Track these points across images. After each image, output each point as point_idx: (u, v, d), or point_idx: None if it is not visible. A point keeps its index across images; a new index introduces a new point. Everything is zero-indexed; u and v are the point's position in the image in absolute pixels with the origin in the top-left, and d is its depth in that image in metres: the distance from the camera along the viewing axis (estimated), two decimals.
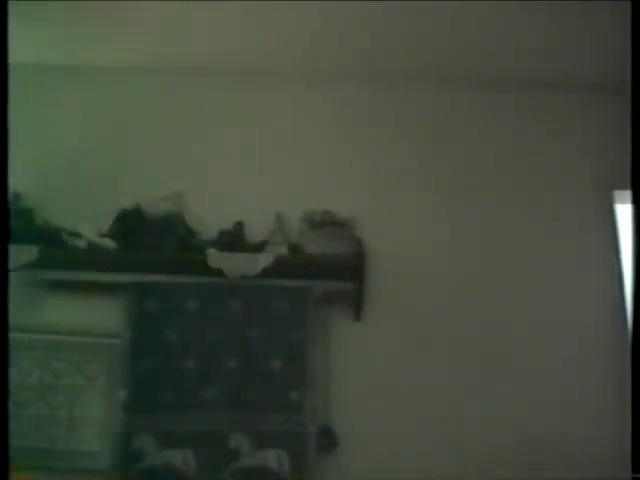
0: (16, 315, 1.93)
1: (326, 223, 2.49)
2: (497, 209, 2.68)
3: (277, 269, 2.36)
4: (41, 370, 2.40)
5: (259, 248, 2.43)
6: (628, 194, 2.32)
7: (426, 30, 2.49)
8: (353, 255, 2.41)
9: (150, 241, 2.45)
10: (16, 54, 2.19)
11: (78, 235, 2.44)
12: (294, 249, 2.45)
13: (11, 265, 2.20)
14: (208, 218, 2.56)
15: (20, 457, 2.12)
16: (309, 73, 2.80)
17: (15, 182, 2.16)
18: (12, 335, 1.79)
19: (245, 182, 2.68)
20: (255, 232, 2.54)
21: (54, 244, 2.41)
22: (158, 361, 2.34)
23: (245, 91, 2.82)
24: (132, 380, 2.31)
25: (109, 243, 2.42)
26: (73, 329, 2.44)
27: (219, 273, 2.36)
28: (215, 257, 2.37)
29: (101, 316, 2.45)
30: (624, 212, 2.64)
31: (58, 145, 2.73)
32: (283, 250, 2.42)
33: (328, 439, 2.34)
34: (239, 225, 2.55)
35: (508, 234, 2.65)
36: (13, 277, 2.14)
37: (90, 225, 2.47)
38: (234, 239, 2.48)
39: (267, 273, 2.36)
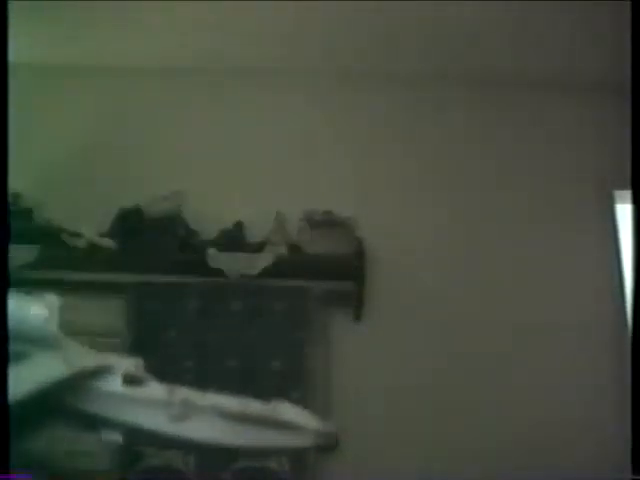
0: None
1: (326, 223, 2.49)
2: (497, 209, 2.68)
3: (277, 269, 2.36)
4: None
5: (259, 248, 2.43)
6: (628, 194, 2.32)
7: (426, 30, 2.49)
8: (353, 255, 2.40)
9: (150, 241, 2.45)
10: (16, 54, 2.18)
11: (78, 235, 2.44)
12: (294, 249, 2.45)
13: (11, 265, 2.20)
14: (208, 218, 2.56)
15: (20, 457, 2.12)
16: (309, 73, 2.80)
17: (15, 182, 2.16)
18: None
19: (245, 182, 2.68)
20: (255, 232, 2.54)
21: (54, 244, 2.41)
22: (158, 361, 2.33)
23: (245, 91, 2.82)
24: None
25: (109, 243, 2.42)
26: (73, 329, 2.44)
27: (219, 273, 2.36)
28: (215, 257, 2.37)
29: (101, 316, 2.44)
30: (624, 212, 2.64)
31: (58, 145, 2.73)
32: (283, 250, 2.41)
33: (328, 439, 2.33)
34: (239, 225, 2.55)
35: (508, 234, 2.65)
36: (13, 277, 2.14)
37: (90, 225, 2.47)
38: (234, 239, 2.48)
39: (267, 273, 2.36)
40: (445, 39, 2.54)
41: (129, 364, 1.13)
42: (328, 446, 1.25)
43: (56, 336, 1.09)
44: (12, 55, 1.99)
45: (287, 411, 1.16)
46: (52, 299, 1.13)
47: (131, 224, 2.49)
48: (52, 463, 1.98)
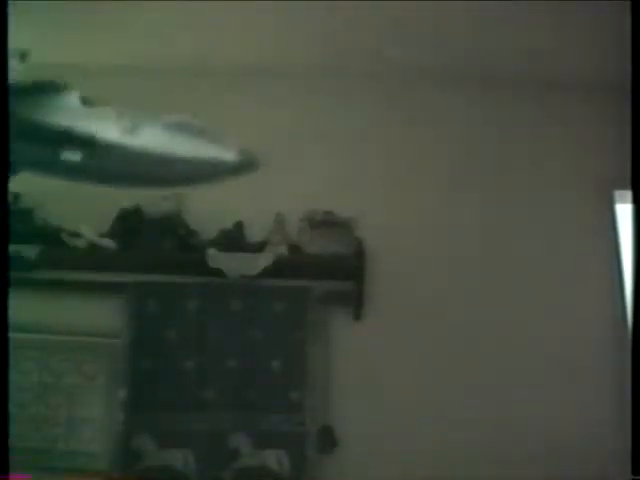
0: (16, 315, 1.93)
1: (326, 223, 2.49)
2: (497, 209, 2.68)
3: (277, 269, 2.36)
4: (41, 370, 2.40)
5: (259, 248, 2.43)
6: (628, 194, 2.32)
7: (426, 30, 2.49)
8: (353, 255, 2.40)
9: (150, 241, 2.45)
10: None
11: (78, 235, 2.44)
12: (294, 249, 2.45)
13: (11, 265, 2.20)
14: (208, 218, 2.56)
15: (20, 457, 2.12)
16: (309, 73, 2.80)
17: (15, 182, 2.16)
18: (12, 335, 1.79)
19: (245, 182, 2.67)
20: (255, 232, 2.54)
21: (54, 244, 2.41)
22: (158, 361, 2.34)
23: (245, 91, 2.82)
24: (132, 380, 2.31)
25: (109, 243, 2.42)
26: (73, 329, 2.44)
27: (219, 273, 2.36)
28: (215, 257, 2.37)
29: (101, 316, 2.45)
30: (624, 212, 2.64)
31: None
32: (283, 250, 2.41)
33: (328, 439, 2.34)
34: (239, 225, 2.55)
35: (508, 234, 2.65)
36: (13, 277, 2.14)
37: (90, 225, 2.47)
38: (234, 239, 2.48)
39: (267, 273, 2.36)
40: (445, 39, 2.54)
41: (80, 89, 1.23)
42: (248, 164, 1.40)
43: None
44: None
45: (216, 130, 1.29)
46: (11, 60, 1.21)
47: (131, 224, 2.49)
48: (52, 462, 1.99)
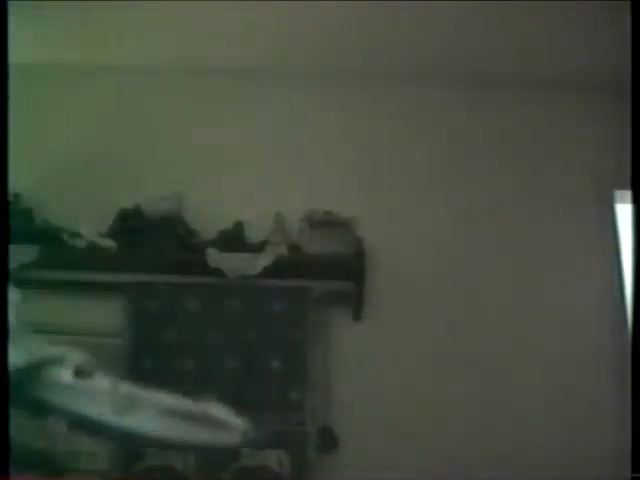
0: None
1: (326, 223, 2.49)
2: (497, 209, 2.68)
3: (277, 269, 2.36)
4: None
5: (259, 248, 2.43)
6: (628, 194, 2.32)
7: (426, 30, 2.49)
8: (353, 255, 2.40)
9: (150, 241, 2.45)
10: (16, 54, 2.19)
11: (78, 235, 2.44)
12: (294, 249, 2.45)
13: (11, 265, 2.20)
14: (208, 218, 2.56)
15: (20, 457, 2.12)
16: (309, 73, 2.80)
17: (15, 182, 2.16)
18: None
19: (245, 182, 2.68)
20: (255, 232, 2.54)
21: (54, 244, 2.41)
22: (158, 361, 2.33)
23: (245, 91, 2.82)
24: (132, 380, 2.31)
25: (109, 243, 2.42)
26: (73, 329, 2.44)
27: (219, 273, 2.36)
28: (215, 257, 2.37)
29: (101, 316, 2.44)
30: (624, 212, 2.64)
31: (58, 145, 2.72)
32: (283, 250, 2.41)
33: (328, 439, 2.33)
34: (239, 225, 2.55)
35: (508, 234, 2.65)
36: (13, 277, 2.14)
37: (90, 225, 2.47)
38: (234, 239, 2.48)
39: (267, 273, 2.36)
40: (445, 39, 2.54)
41: (79, 357, 1.21)
42: (254, 445, 1.39)
43: (14, 328, 1.15)
44: (12, 55, 2.00)
45: (217, 410, 1.26)
46: (12, 294, 1.19)
47: (131, 224, 2.49)
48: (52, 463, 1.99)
